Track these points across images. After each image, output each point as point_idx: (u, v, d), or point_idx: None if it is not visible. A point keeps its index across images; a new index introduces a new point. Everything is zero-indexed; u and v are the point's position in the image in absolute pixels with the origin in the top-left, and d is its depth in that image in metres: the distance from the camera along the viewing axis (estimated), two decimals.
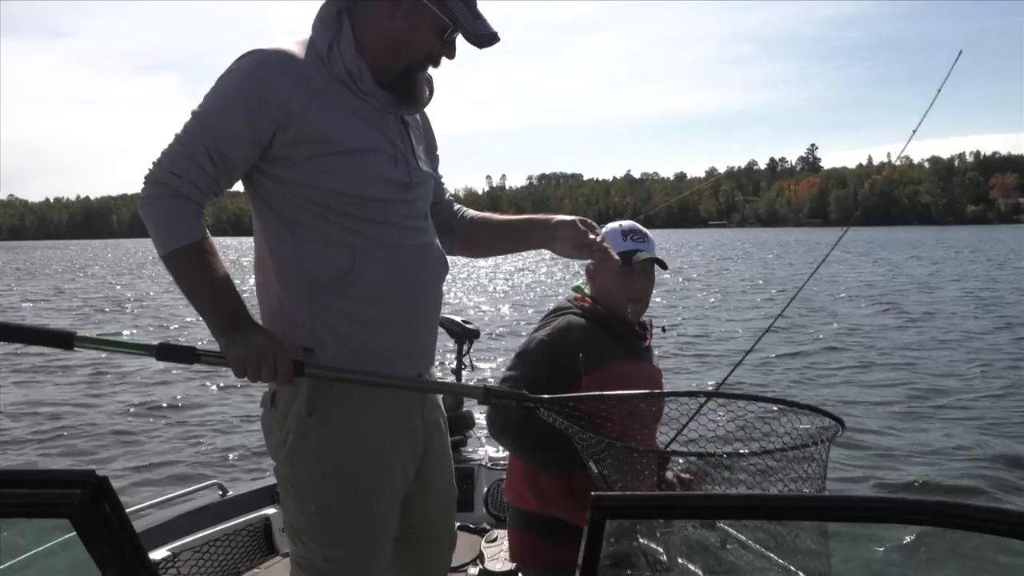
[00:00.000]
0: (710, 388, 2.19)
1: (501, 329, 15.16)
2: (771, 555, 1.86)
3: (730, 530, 1.90)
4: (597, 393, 1.94)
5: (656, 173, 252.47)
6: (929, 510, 0.93)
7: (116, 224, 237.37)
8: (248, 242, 1.98)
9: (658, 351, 2.57)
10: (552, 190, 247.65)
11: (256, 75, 1.67)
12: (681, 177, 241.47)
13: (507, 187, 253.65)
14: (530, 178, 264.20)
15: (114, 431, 8.49)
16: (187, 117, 1.69)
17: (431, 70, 1.83)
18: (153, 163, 1.68)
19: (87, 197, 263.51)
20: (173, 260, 1.66)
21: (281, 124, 1.67)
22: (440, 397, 2.04)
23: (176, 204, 1.66)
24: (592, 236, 1.93)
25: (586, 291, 2.43)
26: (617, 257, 2.12)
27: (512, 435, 2.24)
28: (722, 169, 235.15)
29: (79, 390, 10.80)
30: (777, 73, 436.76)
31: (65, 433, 8.40)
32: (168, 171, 1.65)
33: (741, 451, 1.72)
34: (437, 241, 1.92)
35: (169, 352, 1.68)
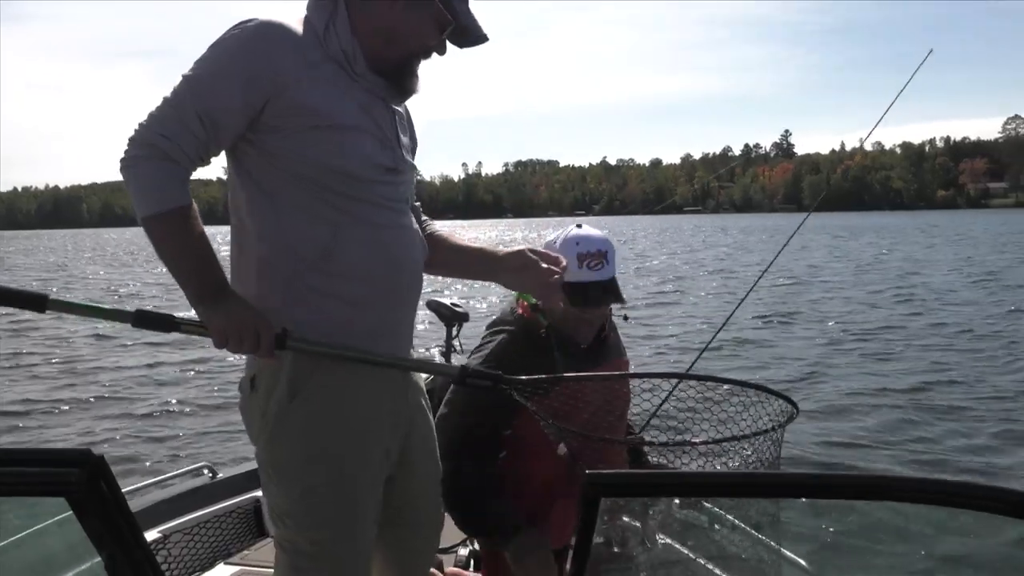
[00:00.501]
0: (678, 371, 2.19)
1: (491, 311, 15.14)
2: (757, 533, 1.89)
3: (717, 509, 1.93)
4: (573, 375, 1.94)
5: (632, 159, 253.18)
6: (918, 488, 0.94)
7: (87, 213, 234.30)
8: (223, 231, 1.94)
9: (627, 339, 2.52)
10: (528, 177, 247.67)
11: (252, 42, 1.65)
12: (656, 163, 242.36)
13: (483, 174, 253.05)
14: (506, 165, 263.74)
15: (100, 414, 8.44)
16: (177, 81, 1.66)
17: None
18: (140, 124, 1.63)
19: (56, 186, 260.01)
20: (157, 224, 1.63)
21: (274, 93, 1.65)
22: (428, 378, 2.04)
23: (164, 166, 1.62)
24: (544, 266, 1.88)
25: (533, 299, 2.21)
26: (563, 291, 2.00)
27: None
28: (697, 155, 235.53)
29: (62, 373, 10.69)
30: (750, 58, 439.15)
31: (50, 417, 8.34)
32: (158, 133, 1.61)
33: (695, 440, 1.77)
34: (417, 226, 1.92)
35: (146, 319, 1.64)
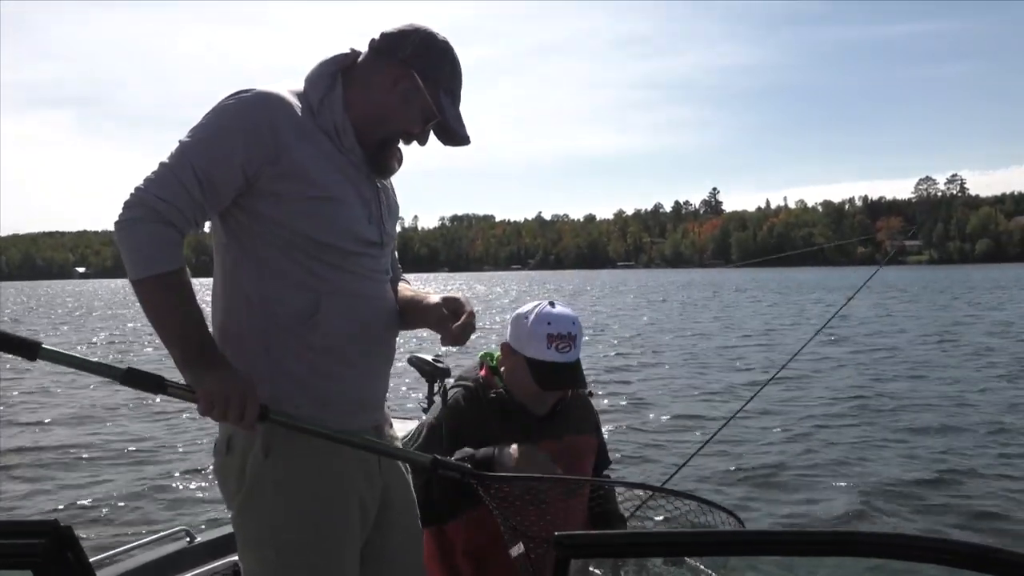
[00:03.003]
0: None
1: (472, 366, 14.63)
2: None
3: (700, 566, 1.95)
4: (540, 475, 1.96)
5: (566, 215, 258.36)
6: (881, 542, 0.97)
7: (5, 265, 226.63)
8: (205, 283, 1.93)
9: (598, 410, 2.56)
10: (464, 231, 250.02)
11: (252, 108, 1.71)
12: (591, 219, 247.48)
13: (419, 228, 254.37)
14: (442, 219, 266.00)
15: (72, 472, 8.01)
16: (173, 146, 1.69)
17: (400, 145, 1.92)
18: (136, 188, 1.66)
19: None
20: (150, 285, 1.63)
21: (272, 158, 1.70)
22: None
23: (160, 229, 1.64)
24: (454, 321, 1.87)
25: (494, 362, 2.33)
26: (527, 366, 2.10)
27: None
28: (629, 211, 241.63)
29: (32, 427, 10.22)
30: (679, 118, 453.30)
31: (15, 476, 7.87)
32: (155, 195, 1.63)
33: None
34: (392, 296, 1.97)
35: (135, 378, 1.62)
